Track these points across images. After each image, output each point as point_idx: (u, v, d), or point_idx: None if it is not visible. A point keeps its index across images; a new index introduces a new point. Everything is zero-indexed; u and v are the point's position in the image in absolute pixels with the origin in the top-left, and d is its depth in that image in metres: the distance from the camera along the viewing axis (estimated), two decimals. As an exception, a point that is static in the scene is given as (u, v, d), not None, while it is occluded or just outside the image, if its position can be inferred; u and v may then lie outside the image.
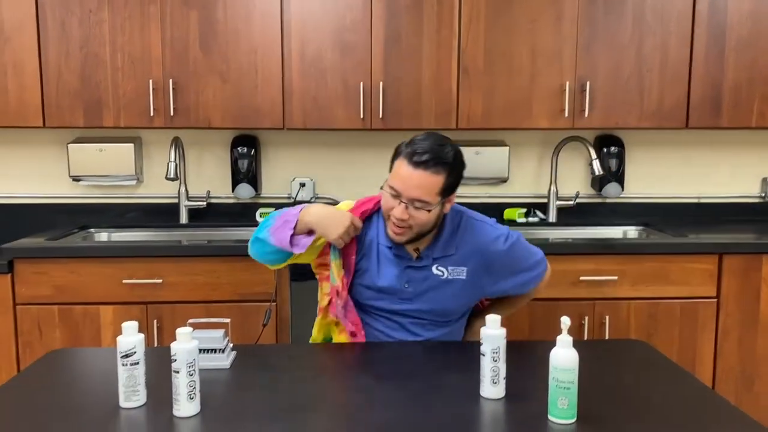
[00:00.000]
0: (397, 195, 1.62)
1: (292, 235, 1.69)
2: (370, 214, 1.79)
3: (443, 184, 1.62)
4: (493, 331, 1.36)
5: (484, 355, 1.36)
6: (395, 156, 1.66)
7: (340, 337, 1.83)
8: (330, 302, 1.81)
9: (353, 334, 1.77)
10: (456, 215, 1.78)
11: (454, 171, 1.64)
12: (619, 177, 3.10)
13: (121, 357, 1.31)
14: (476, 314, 1.94)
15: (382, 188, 1.70)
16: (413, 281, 1.75)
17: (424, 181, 1.59)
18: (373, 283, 1.76)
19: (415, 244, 1.75)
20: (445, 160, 1.61)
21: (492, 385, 1.36)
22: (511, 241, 1.78)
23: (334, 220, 1.68)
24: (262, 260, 1.81)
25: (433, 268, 1.74)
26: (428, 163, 1.59)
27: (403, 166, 1.61)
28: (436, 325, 1.80)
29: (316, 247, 1.78)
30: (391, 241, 1.74)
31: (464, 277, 1.75)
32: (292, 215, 1.71)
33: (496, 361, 1.35)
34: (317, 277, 1.87)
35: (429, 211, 1.63)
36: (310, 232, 1.71)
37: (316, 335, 1.88)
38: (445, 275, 1.75)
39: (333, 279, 1.76)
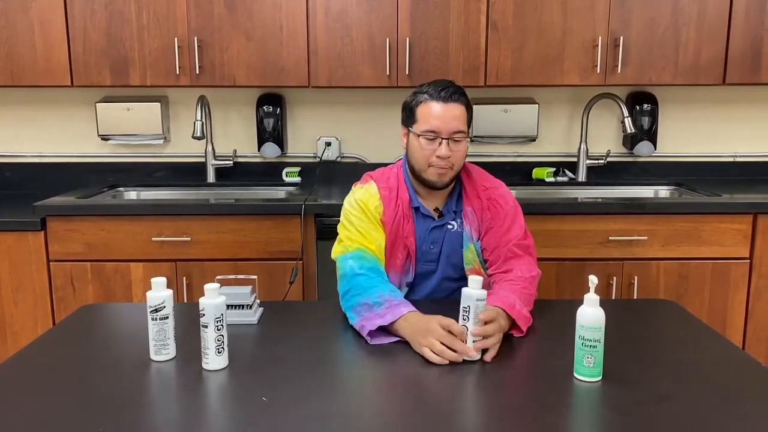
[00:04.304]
0: (436, 135, 1.67)
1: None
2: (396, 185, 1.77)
3: (468, 115, 1.71)
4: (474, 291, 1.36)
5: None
6: (414, 106, 1.71)
7: None
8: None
9: None
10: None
11: (469, 102, 1.73)
12: (651, 135, 3.03)
13: (151, 311, 1.33)
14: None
15: (405, 149, 1.75)
16: (436, 241, 1.77)
17: (458, 111, 1.67)
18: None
19: (435, 202, 1.77)
20: (463, 91, 1.71)
21: None
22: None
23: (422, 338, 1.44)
24: None
25: (448, 225, 1.78)
26: (454, 94, 1.68)
27: (434, 105, 1.67)
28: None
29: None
30: (421, 196, 1.76)
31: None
32: (386, 315, 1.50)
33: None
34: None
35: (469, 140, 1.72)
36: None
37: None
38: (455, 227, 1.77)
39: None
